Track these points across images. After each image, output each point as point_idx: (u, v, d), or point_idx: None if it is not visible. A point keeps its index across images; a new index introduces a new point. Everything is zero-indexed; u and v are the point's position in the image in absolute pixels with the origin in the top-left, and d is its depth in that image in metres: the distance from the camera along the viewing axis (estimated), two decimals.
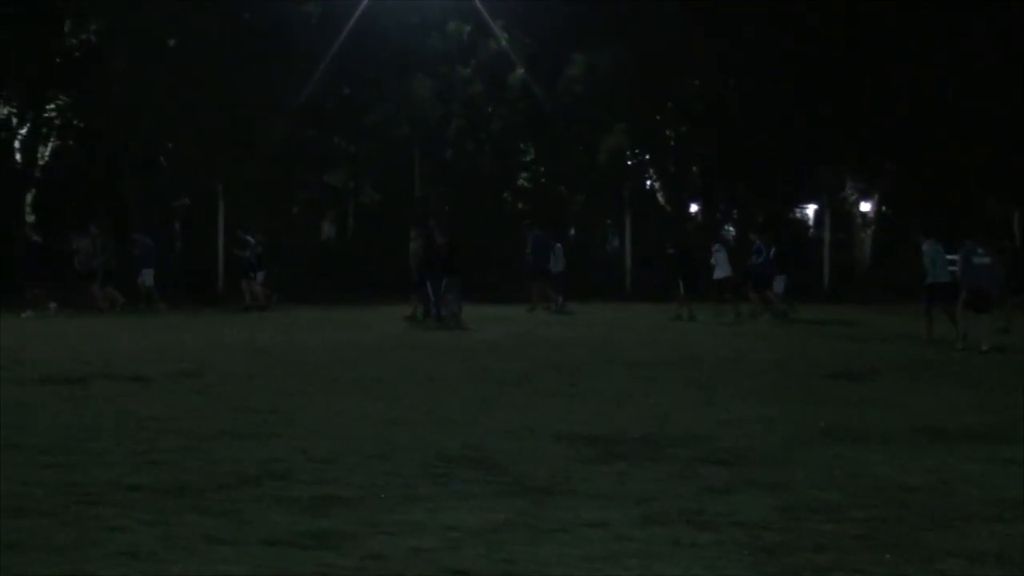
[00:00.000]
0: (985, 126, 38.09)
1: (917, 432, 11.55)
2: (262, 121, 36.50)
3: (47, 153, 38.22)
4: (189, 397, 13.94)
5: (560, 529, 7.45)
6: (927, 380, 16.55)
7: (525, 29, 39.53)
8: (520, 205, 42.02)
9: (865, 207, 43.39)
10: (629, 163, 41.59)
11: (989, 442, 10.99)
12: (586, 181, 40.76)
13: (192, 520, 7.56)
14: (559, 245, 33.53)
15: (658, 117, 42.29)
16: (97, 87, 35.96)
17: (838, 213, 41.35)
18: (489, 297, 32.72)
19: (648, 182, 43.36)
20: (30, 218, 37.95)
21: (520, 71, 39.59)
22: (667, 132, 42.91)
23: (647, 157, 42.60)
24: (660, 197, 43.04)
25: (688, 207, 44.56)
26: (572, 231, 42.28)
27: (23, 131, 37.89)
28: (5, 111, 37.65)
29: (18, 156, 37.86)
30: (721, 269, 30.04)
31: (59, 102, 37.76)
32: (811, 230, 43.83)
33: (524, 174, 42.22)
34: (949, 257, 23.46)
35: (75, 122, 38.09)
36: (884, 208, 43.83)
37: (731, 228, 43.44)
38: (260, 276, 32.54)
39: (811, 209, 44.89)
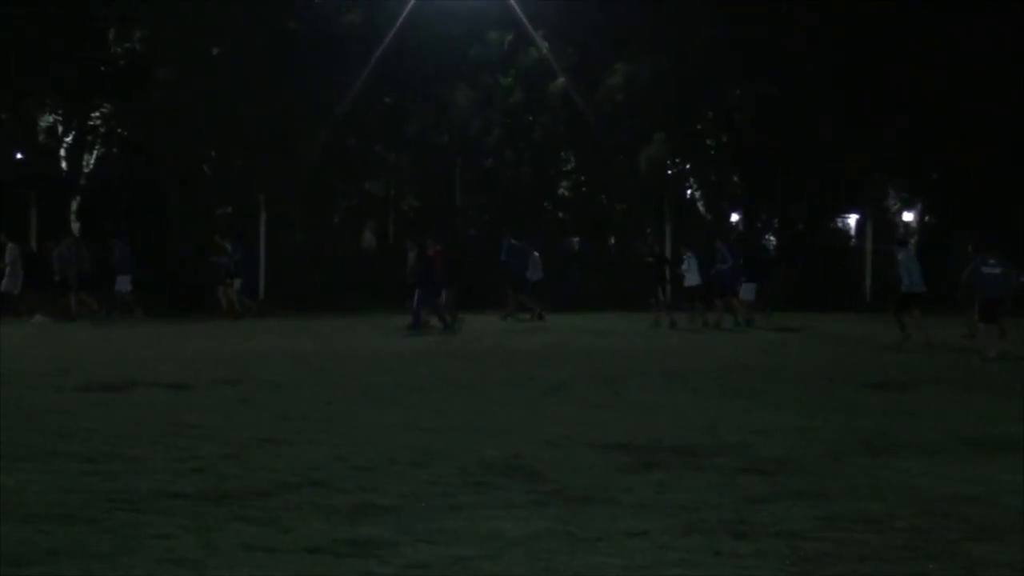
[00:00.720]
0: None
1: (959, 442, 11.48)
2: (304, 129, 36.64)
3: (92, 161, 38.44)
4: (229, 404, 14.00)
5: (600, 538, 7.44)
6: (968, 390, 16.46)
7: (566, 38, 39.53)
8: (560, 214, 42.01)
9: (908, 216, 43.15)
10: (669, 172, 41.47)
11: None
12: (626, 190, 40.69)
13: (233, 527, 7.58)
14: (536, 254, 33.55)
15: (699, 126, 42.19)
16: (141, 96, 36.17)
17: (880, 223, 41.13)
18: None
19: (688, 191, 43.24)
20: (75, 225, 38.16)
21: (561, 80, 39.56)
22: (708, 141, 42.80)
23: (687, 166, 42.48)
24: (701, 206, 42.92)
25: (729, 216, 44.43)
26: (612, 240, 42.26)
27: (68, 139, 38.15)
28: (51, 119, 37.90)
29: (64, 164, 38.10)
30: (691, 277, 30.24)
31: (104, 110, 37.98)
32: (853, 240, 43.60)
33: (564, 183, 42.20)
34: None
35: (119, 130, 38.29)
36: (928, 218, 43.58)
37: (772, 237, 43.30)
38: (237, 284, 32.70)
39: (853, 219, 44.66)
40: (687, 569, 6.78)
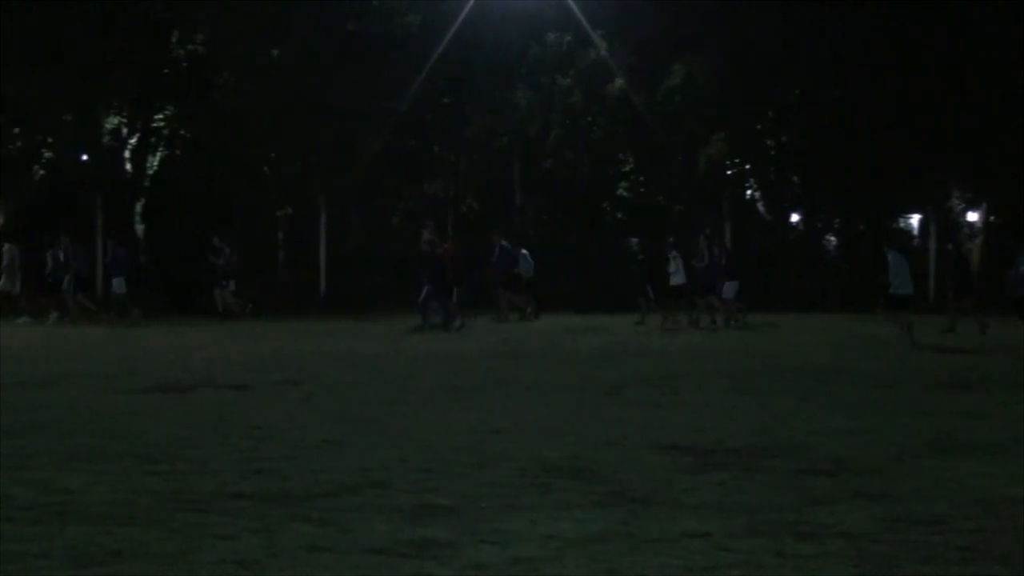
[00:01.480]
0: None
1: (1022, 444, 11.36)
2: (363, 131, 36.81)
3: (155, 163, 38.78)
4: (291, 406, 14.09)
5: (661, 539, 7.42)
6: None
7: (624, 39, 39.49)
8: (619, 215, 41.95)
9: (972, 217, 42.74)
10: (728, 172, 41.33)
11: None
12: (685, 191, 40.59)
13: (295, 528, 7.62)
14: (525, 252, 33.72)
15: (758, 126, 41.99)
16: (203, 98, 36.48)
17: (944, 223, 40.78)
18: (588, 307, 32.70)
19: (748, 192, 43.07)
20: (139, 227, 38.53)
21: (619, 81, 39.53)
22: (767, 141, 42.59)
23: (747, 167, 42.30)
24: (760, 207, 42.74)
25: (789, 216, 44.19)
26: (671, 240, 42.16)
27: (133, 141, 38.51)
28: (115, 121, 38.28)
29: (128, 166, 38.47)
30: (676, 276, 30.60)
31: (167, 112, 38.33)
32: (916, 240, 43.23)
33: (623, 184, 42.14)
34: None
35: (182, 132, 38.63)
36: (992, 218, 43.13)
37: (832, 238, 43.04)
38: (231, 284, 32.87)
39: (916, 219, 44.28)
40: (749, 570, 6.76)
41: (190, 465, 9.78)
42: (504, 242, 33.19)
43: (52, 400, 14.34)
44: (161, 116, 38.45)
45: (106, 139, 38.19)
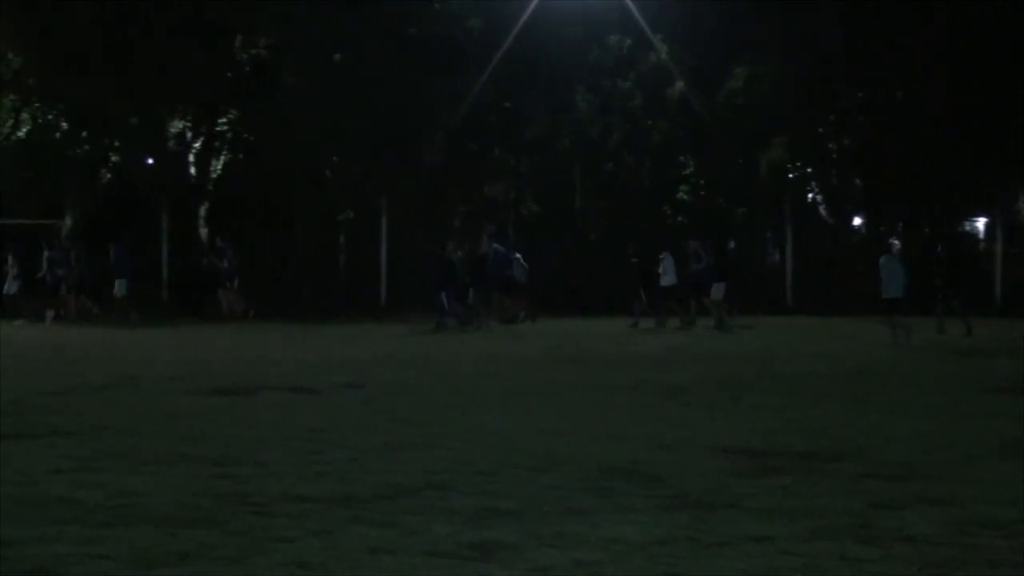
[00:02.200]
0: None
1: None
2: (425, 134, 36.94)
3: (219, 166, 39.08)
4: (352, 408, 14.15)
5: (723, 543, 7.38)
6: None
7: (685, 42, 39.42)
8: (680, 218, 41.86)
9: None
10: (790, 176, 41.15)
11: None
12: (746, 194, 40.44)
13: (357, 531, 7.64)
14: (518, 256, 33.73)
15: (820, 130, 41.78)
16: (266, 101, 36.74)
17: (1011, 225, 40.38)
18: (647, 310, 32.62)
19: (810, 195, 42.84)
20: (203, 230, 38.85)
21: (680, 84, 39.46)
22: (829, 145, 42.35)
23: (809, 170, 42.08)
24: (822, 210, 42.51)
25: (851, 220, 43.92)
26: (732, 244, 42.02)
27: (197, 145, 38.83)
28: (180, 125, 38.62)
29: (192, 169, 38.78)
30: (667, 277, 31.24)
31: (230, 116, 38.62)
32: (982, 243, 42.85)
33: (684, 187, 42.05)
34: None
35: (245, 136, 38.90)
36: None
37: (896, 241, 42.71)
38: (235, 285, 33.10)
39: (981, 222, 43.89)
40: (811, 574, 6.72)
41: (253, 467, 9.84)
42: (497, 245, 33.22)
43: (117, 402, 14.48)
44: (224, 120, 38.75)
45: (171, 143, 38.53)
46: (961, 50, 37.66)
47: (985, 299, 36.34)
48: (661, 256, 31.71)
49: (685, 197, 42.01)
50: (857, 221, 44.22)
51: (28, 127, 37.20)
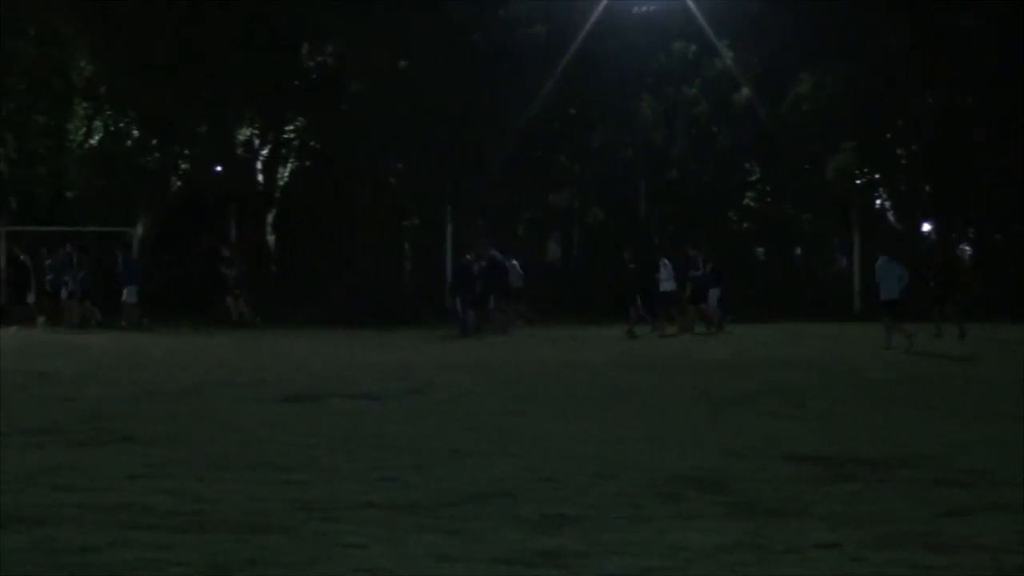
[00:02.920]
0: None
1: None
2: (489, 141, 37.00)
3: (286, 174, 39.32)
4: (418, 415, 14.21)
5: (790, 550, 7.35)
6: None
7: (751, 48, 39.25)
8: (745, 224, 41.70)
9: None
10: (858, 182, 40.86)
11: None
12: (813, 200, 40.21)
13: (424, 537, 7.68)
14: (515, 261, 33.75)
15: (889, 135, 41.47)
16: (332, 109, 36.93)
17: None
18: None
19: (878, 201, 42.52)
20: (271, 237, 39.12)
21: (746, 90, 39.31)
22: (898, 150, 42.03)
23: (876, 176, 41.77)
24: (891, 216, 42.18)
25: (920, 226, 43.55)
26: (799, 250, 41.83)
27: (264, 152, 39.10)
28: (248, 132, 38.89)
29: (260, 177, 39.05)
30: (666, 283, 31.26)
31: (297, 123, 38.85)
32: None
33: (749, 193, 41.86)
34: None
35: (312, 143, 39.11)
36: None
37: (967, 248, 42.32)
38: (243, 292, 33.36)
39: None
40: None
41: (321, 474, 9.91)
42: (494, 253, 33.20)
43: (188, 409, 14.63)
44: (291, 127, 38.99)
45: (239, 150, 38.83)
46: None
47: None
48: (661, 262, 31.92)
49: (751, 203, 41.82)
50: (926, 227, 43.84)
51: (100, 135, 37.60)
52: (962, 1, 38.81)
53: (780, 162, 40.12)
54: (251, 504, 8.62)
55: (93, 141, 37.51)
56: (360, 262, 36.33)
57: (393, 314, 33.40)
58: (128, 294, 32.59)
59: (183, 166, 38.54)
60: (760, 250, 41.84)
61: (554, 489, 9.32)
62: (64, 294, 32.52)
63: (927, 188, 42.42)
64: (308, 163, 39.33)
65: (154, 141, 37.73)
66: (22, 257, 33.81)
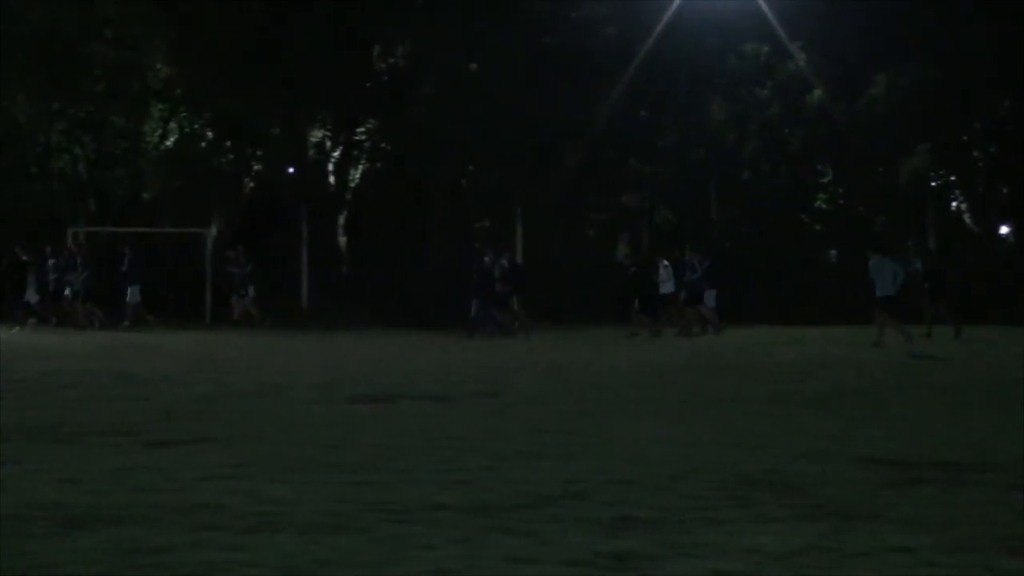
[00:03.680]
0: None
1: None
2: (560, 143, 37.02)
3: (357, 176, 39.52)
4: (489, 417, 14.24)
5: (864, 553, 7.29)
6: None
7: (824, 50, 39.00)
8: (817, 226, 41.44)
9: None
10: (933, 184, 40.49)
11: None
12: (887, 202, 39.89)
13: (495, 539, 7.68)
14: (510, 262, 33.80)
15: (964, 137, 41.06)
16: (403, 111, 37.10)
17: None
18: (785, 319, 32.39)
19: (953, 203, 42.11)
20: (342, 239, 39.34)
21: (818, 92, 39.08)
22: (974, 153, 41.59)
23: (952, 178, 41.37)
24: (967, 219, 41.75)
25: (998, 229, 43.08)
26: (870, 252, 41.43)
27: (336, 154, 39.33)
28: (320, 134, 39.14)
29: (331, 179, 39.28)
30: (666, 286, 31.57)
31: (368, 125, 39.05)
32: None
33: (822, 195, 41.59)
34: None
35: (383, 145, 39.29)
36: None
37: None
38: (251, 291, 33.37)
39: None
40: None
41: (393, 475, 9.94)
42: (488, 257, 33.22)
43: (261, 410, 14.75)
44: (363, 130, 39.19)
45: (311, 152, 39.08)
46: None
47: None
48: (661, 264, 32.12)
49: (823, 205, 41.55)
50: (1004, 229, 43.35)
51: (175, 136, 38.00)
52: None
53: (853, 164, 39.83)
54: (324, 505, 8.66)
55: (169, 143, 37.91)
56: (431, 264, 36.45)
57: (463, 315, 33.47)
58: (132, 293, 32.76)
59: (256, 168, 38.84)
60: (832, 252, 41.53)
61: (626, 491, 9.29)
62: (68, 294, 32.68)
63: (1004, 190, 41.95)
64: (379, 165, 39.52)
65: (228, 143, 38.07)
66: (24, 257, 33.82)
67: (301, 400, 15.88)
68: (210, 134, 38.20)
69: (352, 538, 7.68)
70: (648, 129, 39.43)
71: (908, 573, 6.86)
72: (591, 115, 37.04)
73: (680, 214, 41.36)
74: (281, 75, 35.57)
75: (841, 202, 41.31)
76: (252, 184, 39.14)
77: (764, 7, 38.08)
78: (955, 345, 26.99)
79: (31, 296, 33.08)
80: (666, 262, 32.13)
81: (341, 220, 39.50)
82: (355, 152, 39.60)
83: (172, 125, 38.23)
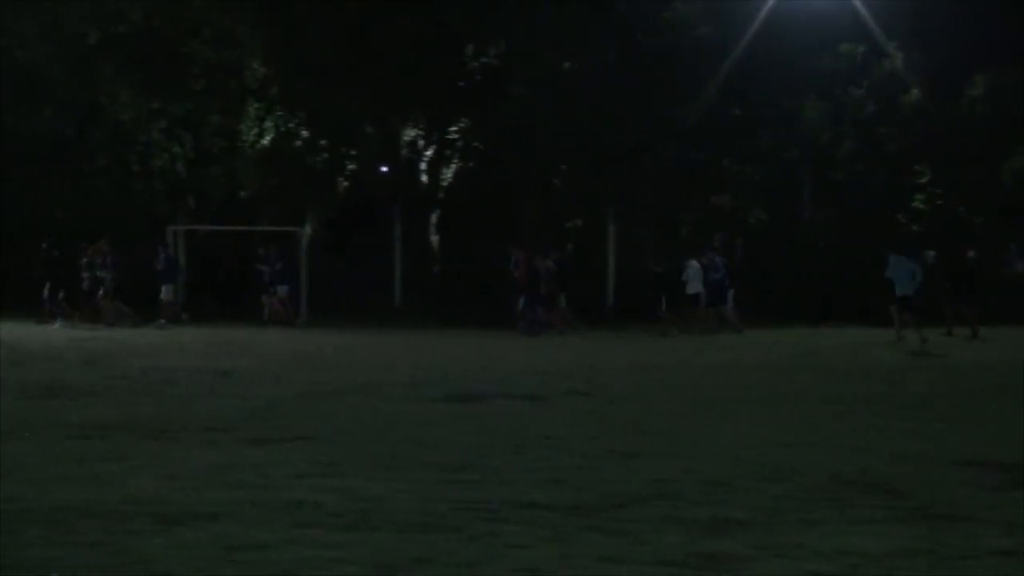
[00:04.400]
0: None
1: None
2: (653, 143, 36.91)
3: (450, 175, 39.64)
4: (581, 416, 14.24)
5: (963, 556, 7.22)
6: None
7: (921, 49, 38.55)
8: (914, 227, 40.93)
9: None
10: None
11: None
12: (987, 203, 39.35)
13: (588, 538, 7.70)
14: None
15: None
16: (496, 110, 37.15)
17: None
18: (881, 320, 32.05)
19: None
20: (434, 237, 39.49)
21: (915, 91, 38.65)
22: None
23: None
24: None
25: None
26: (971, 253, 40.90)
27: (429, 153, 39.48)
28: (413, 133, 39.30)
29: (424, 178, 39.44)
30: (692, 285, 31.66)
31: (461, 124, 39.13)
32: None
33: (919, 196, 41.07)
34: None
35: (475, 144, 39.37)
36: None
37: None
38: (284, 290, 33.71)
39: None
40: None
41: (486, 474, 9.98)
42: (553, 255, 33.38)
43: (355, 408, 14.86)
44: (455, 129, 39.29)
45: (404, 151, 39.25)
46: None
47: None
48: (687, 264, 32.13)
49: (920, 206, 41.03)
50: None
51: (271, 135, 38.33)
52: None
53: (952, 164, 39.32)
54: (417, 503, 8.72)
55: (265, 142, 38.25)
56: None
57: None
58: (165, 292, 32.93)
59: (350, 167, 39.09)
60: (931, 253, 40.99)
61: (719, 492, 9.27)
62: (101, 292, 32.91)
63: None
64: (471, 164, 39.58)
65: (322, 142, 38.35)
66: (56, 253, 33.85)
67: (394, 398, 15.98)
68: (305, 133, 38.44)
69: (446, 536, 7.74)
70: (742, 128, 39.16)
71: None
72: (684, 114, 36.87)
73: (772, 214, 41.02)
74: (375, 74, 35.76)
75: (939, 203, 40.76)
76: (346, 183, 39.34)
77: (860, 7, 37.72)
78: None
79: (52, 293, 33.37)
80: (693, 261, 32.24)
81: (433, 219, 39.61)
82: (448, 151, 39.67)
83: (268, 124, 38.51)
